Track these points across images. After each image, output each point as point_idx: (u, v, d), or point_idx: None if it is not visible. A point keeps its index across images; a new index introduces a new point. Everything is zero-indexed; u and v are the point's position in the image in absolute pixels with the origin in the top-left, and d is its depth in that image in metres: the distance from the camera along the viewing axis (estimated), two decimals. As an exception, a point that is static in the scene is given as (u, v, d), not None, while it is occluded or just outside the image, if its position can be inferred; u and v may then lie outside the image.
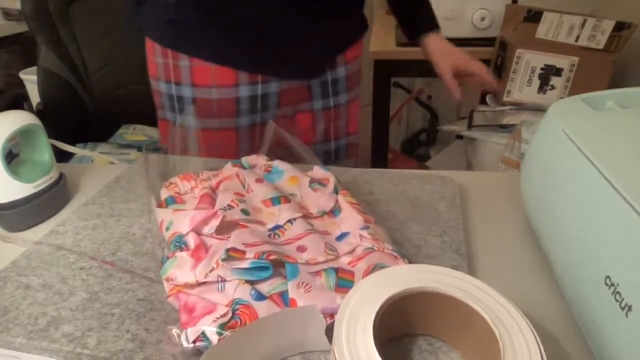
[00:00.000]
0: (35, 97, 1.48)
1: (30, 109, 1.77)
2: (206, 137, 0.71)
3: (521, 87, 1.21)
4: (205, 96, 0.69)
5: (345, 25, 0.77)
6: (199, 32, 0.67)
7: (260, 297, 0.35)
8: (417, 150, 2.34)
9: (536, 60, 1.17)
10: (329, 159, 0.83)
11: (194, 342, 0.33)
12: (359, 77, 0.83)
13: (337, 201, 0.47)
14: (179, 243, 0.40)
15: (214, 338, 0.33)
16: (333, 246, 0.41)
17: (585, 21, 1.10)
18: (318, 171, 0.53)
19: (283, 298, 0.36)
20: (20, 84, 1.87)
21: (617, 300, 0.27)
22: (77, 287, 0.41)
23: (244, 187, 0.49)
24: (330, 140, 0.82)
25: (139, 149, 1.28)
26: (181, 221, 0.42)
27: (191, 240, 0.40)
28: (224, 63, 0.67)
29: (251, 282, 0.36)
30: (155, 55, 0.71)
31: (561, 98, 0.57)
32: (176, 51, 0.68)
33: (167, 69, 0.70)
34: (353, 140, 0.85)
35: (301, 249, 0.39)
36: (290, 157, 0.54)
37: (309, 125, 0.79)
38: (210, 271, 0.37)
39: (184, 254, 0.39)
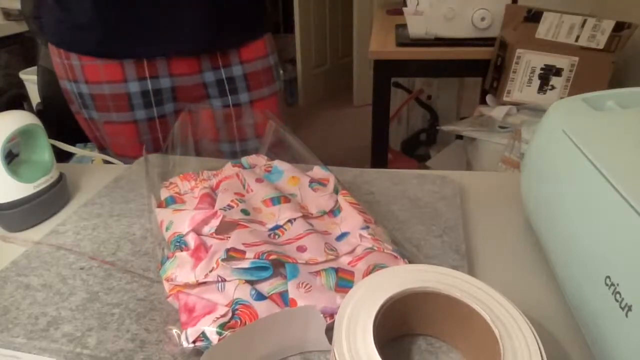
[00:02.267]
0: (35, 97, 1.48)
1: (30, 109, 1.78)
2: (110, 129, 0.77)
3: (521, 87, 1.21)
4: (99, 92, 0.74)
5: (234, 14, 0.75)
6: (80, 30, 0.71)
7: (260, 297, 0.35)
8: (417, 150, 2.34)
9: (536, 60, 1.17)
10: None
11: (194, 342, 0.33)
12: (267, 78, 0.82)
13: (337, 201, 0.47)
14: (179, 243, 0.40)
15: (214, 338, 0.33)
16: (333, 246, 0.41)
17: (585, 21, 1.10)
18: (318, 171, 0.53)
19: (283, 298, 0.36)
20: (20, 84, 1.87)
21: (617, 300, 0.27)
22: (77, 287, 0.41)
23: (244, 187, 0.49)
24: (234, 140, 0.83)
25: (139, 149, 1.28)
26: (181, 221, 0.42)
27: (191, 240, 0.40)
28: (105, 56, 0.71)
29: (251, 282, 0.36)
30: (55, 55, 0.76)
31: (561, 98, 0.57)
32: (66, 51, 0.73)
33: (65, 68, 0.75)
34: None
35: (301, 249, 0.39)
36: (290, 157, 0.54)
37: (210, 122, 0.81)
38: (210, 271, 0.37)
39: (184, 254, 0.39)
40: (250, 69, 0.79)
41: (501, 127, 1.19)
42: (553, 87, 1.19)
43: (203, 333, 0.33)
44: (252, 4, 0.78)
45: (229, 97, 0.80)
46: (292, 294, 0.35)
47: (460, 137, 1.69)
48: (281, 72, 0.87)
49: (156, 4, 0.69)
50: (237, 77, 0.79)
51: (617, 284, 0.27)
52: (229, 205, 0.44)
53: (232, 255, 0.37)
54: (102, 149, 0.84)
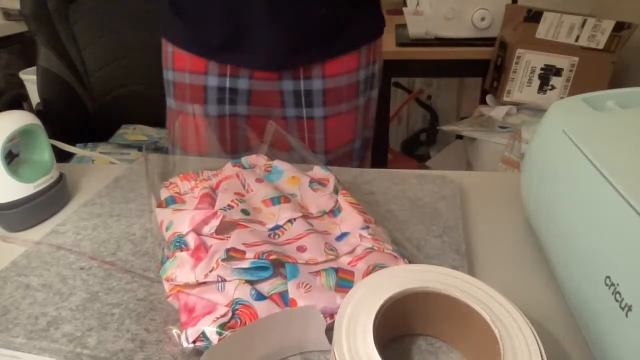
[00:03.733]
0: (35, 97, 1.49)
1: (30, 109, 1.78)
2: (182, 120, 0.77)
3: (521, 87, 1.21)
4: (180, 80, 0.75)
5: (320, 31, 0.73)
6: (177, 22, 0.74)
7: (260, 297, 0.35)
8: (417, 150, 2.34)
9: (536, 60, 1.17)
10: None
11: (194, 342, 0.33)
12: (349, 94, 0.78)
13: (337, 201, 0.47)
14: (179, 243, 0.40)
15: (214, 338, 0.33)
16: (333, 246, 0.41)
17: (585, 21, 1.10)
18: (318, 171, 0.53)
19: (283, 298, 0.36)
20: (20, 84, 1.87)
21: (617, 300, 0.27)
22: (77, 287, 0.41)
23: (244, 187, 0.49)
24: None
25: (139, 149, 1.28)
26: (181, 221, 0.42)
27: (191, 240, 0.40)
28: (192, 51, 0.74)
29: (251, 282, 0.36)
30: (163, 44, 0.79)
31: (561, 98, 0.57)
32: (165, 40, 0.77)
33: (163, 56, 0.79)
34: (331, 158, 0.82)
35: (301, 249, 0.39)
36: (290, 157, 0.54)
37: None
38: (210, 271, 0.37)
39: (184, 254, 0.39)
40: (331, 84, 0.76)
41: (501, 127, 1.19)
42: (553, 87, 1.19)
43: (203, 333, 0.33)
44: (343, 21, 0.74)
45: (304, 109, 0.77)
46: (292, 294, 0.35)
47: (460, 137, 1.69)
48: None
49: (242, 19, 0.69)
50: (315, 91, 0.76)
51: (617, 284, 0.27)
52: (229, 205, 0.44)
53: (232, 255, 0.37)
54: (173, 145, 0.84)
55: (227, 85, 0.74)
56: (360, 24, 0.76)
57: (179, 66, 0.75)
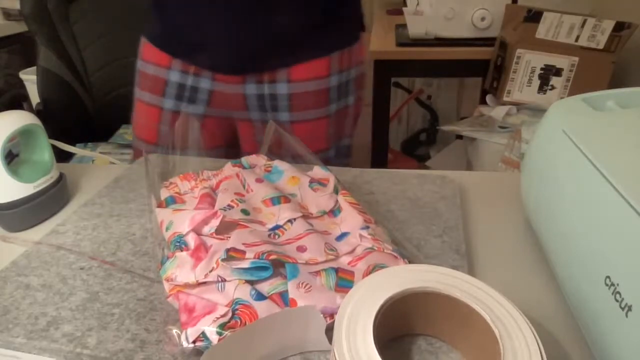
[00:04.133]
0: (35, 97, 1.49)
1: (30, 109, 1.78)
2: (138, 107, 0.79)
3: (521, 87, 1.21)
4: (144, 70, 0.77)
5: (286, 37, 0.71)
6: (150, 16, 0.76)
7: (260, 297, 0.35)
8: (417, 150, 2.34)
9: (536, 60, 1.17)
10: None
11: (194, 342, 0.33)
12: (317, 100, 0.75)
13: (337, 201, 0.47)
14: (179, 243, 0.40)
15: (214, 338, 0.33)
16: (333, 246, 0.41)
17: (585, 21, 1.10)
18: (318, 171, 0.53)
19: (283, 298, 0.36)
20: (20, 84, 1.87)
21: (617, 300, 0.27)
22: (77, 287, 0.41)
23: (244, 187, 0.49)
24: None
25: (139, 149, 1.27)
26: (181, 221, 0.42)
27: (191, 240, 0.40)
28: (157, 45, 0.75)
29: (251, 282, 0.36)
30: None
31: (561, 98, 0.57)
32: (141, 34, 0.79)
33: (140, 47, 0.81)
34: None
35: (301, 249, 0.39)
36: (290, 157, 0.54)
37: (249, 134, 0.79)
38: (210, 271, 0.37)
39: (184, 254, 0.39)
40: (297, 89, 0.73)
41: (501, 127, 1.19)
42: (553, 87, 1.19)
43: (203, 333, 0.33)
44: (311, 27, 0.72)
45: (268, 113, 0.75)
46: (292, 294, 0.35)
47: (460, 137, 1.69)
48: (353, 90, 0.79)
49: (206, 22, 0.69)
50: (279, 95, 0.74)
51: (617, 284, 0.27)
52: (229, 205, 0.44)
53: (232, 255, 0.37)
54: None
55: (189, 83, 0.75)
56: (331, 30, 0.73)
57: (146, 57, 0.77)
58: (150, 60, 0.76)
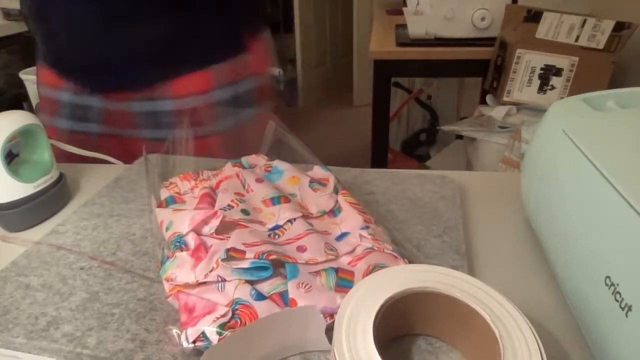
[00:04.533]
0: (35, 97, 1.48)
1: (30, 109, 1.78)
2: (48, 132, 0.77)
3: (521, 87, 1.21)
4: (42, 93, 0.77)
5: (157, 51, 0.69)
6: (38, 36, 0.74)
7: (260, 297, 0.35)
8: (417, 150, 2.35)
9: (536, 60, 1.17)
10: None
11: (194, 342, 0.33)
12: (207, 116, 0.72)
13: (337, 201, 0.47)
14: (179, 243, 0.40)
15: (214, 338, 0.33)
16: (333, 246, 0.41)
17: (585, 21, 1.10)
18: (318, 171, 0.53)
19: (283, 298, 0.36)
20: (20, 84, 1.87)
21: (617, 300, 0.27)
22: (77, 287, 0.41)
23: (244, 187, 0.49)
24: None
25: (139, 149, 1.27)
26: (181, 221, 0.42)
27: (191, 240, 0.40)
28: (49, 66, 0.75)
29: (251, 282, 0.36)
30: None
31: (561, 98, 0.57)
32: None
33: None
34: None
35: (301, 249, 0.39)
36: (290, 157, 0.54)
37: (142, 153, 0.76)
38: (210, 271, 0.37)
39: (184, 254, 0.39)
40: (183, 105, 0.71)
41: (501, 127, 1.19)
42: (553, 87, 1.19)
43: (203, 333, 0.33)
44: (184, 40, 0.69)
45: (156, 130, 0.73)
46: (292, 294, 0.35)
47: (460, 137, 1.69)
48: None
49: (80, 41, 0.68)
50: (164, 112, 0.72)
51: (617, 284, 0.27)
52: (229, 205, 0.44)
53: (232, 255, 0.37)
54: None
55: (80, 102, 0.74)
56: (209, 42, 0.71)
57: (41, 79, 0.76)
58: (43, 82, 0.76)
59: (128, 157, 0.74)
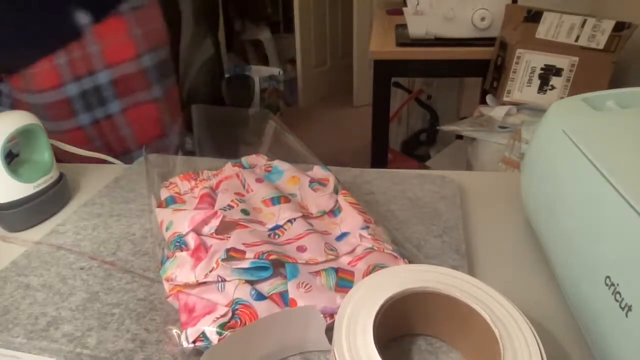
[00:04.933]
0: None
1: (30, 109, 1.76)
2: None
3: (521, 87, 1.21)
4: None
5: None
6: None
7: (260, 297, 0.35)
8: (417, 150, 2.34)
9: (536, 60, 1.17)
10: None
11: (194, 342, 0.33)
12: (140, 82, 0.72)
13: (337, 201, 0.47)
14: (179, 243, 0.40)
15: (214, 338, 0.33)
16: (333, 246, 0.41)
17: (585, 21, 1.10)
18: (318, 171, 0.53)
19: (283, 298, 0.36)
20: (20, 84, 1.86)
21: (617, 300, 0.27)
22: (77, 287, 0.41)
23: (244, 187, 0.49)
24: (117, 154, 0.73)
25: (139, 149, 1.27)
26: (181, 221, 0.42)
27: (191, 240, 0.40)
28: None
29: (251, 282, 0.36)
30: None
31: (561, 98, 0.57)
32: None
33: None
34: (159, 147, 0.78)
35: (301, 249, 0.39)
36: (290, 157, 0.54)
37: (81, 142, 0.72)
38: (210, 271, 0.37)
39: (184, 254, 0.39)
40: (118, 72, 0.70)
41: (501, 127, 1.19)
42: (553, 87, 1.19)
43: (203, 333, 0.33)
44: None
45: (97, 109, 0.71)
46: (292, 294, 0.35)
47: (460, 137, 1.69)
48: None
49: None
50: (104, 85, 0.70)
51: (617, 284, 0.27)
52: (229, 205, 0.44)
53: (232, 255, 0.37)
54: None
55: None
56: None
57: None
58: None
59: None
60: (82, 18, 0.68)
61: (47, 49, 0.68)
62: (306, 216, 0.45)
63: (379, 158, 1.59)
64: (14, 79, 0.70)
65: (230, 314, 0.34)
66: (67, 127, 0.73)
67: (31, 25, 0.66)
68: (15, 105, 0.73)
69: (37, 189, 0.51)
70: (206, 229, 0.41)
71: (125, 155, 0.78)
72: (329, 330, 0.32)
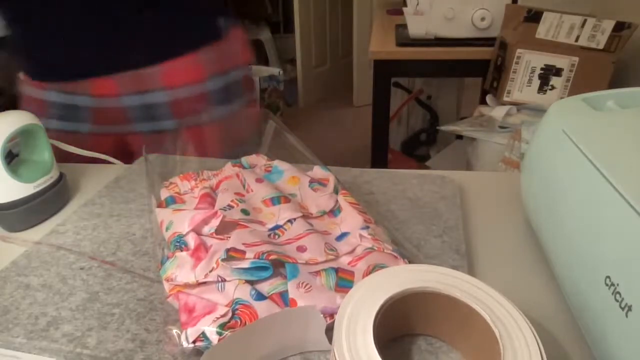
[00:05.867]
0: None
1: (30, 109, 1.76)
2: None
3: (521, 87, 1.21)
4: (24, 92, 0.78)
5: (140, 36, 0.69)
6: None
7: (260, 297, 0.35)
8: (417, 150, 2.34)
9: (536, 60, 1.17)
10: None
11: (194, 342, 0.33)
12: (200, 107, 0.74)
13: (337, 201, 0.47)
14: (179, 243, 0.40)
15: (214, 338, 0.33)
16: (333, 246, 0.41)
17: (585, 21, 1.10)
18: (318, 171, 0.53)
19: (283, 298, 0.36)
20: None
21: (617, 300, 0.27)
22: (77, 287, 0.41)
23: (244, 187, 0.49)
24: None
25: (139, 149, 1.27)
26: (181, 221, 0.42)
27: (191, 240, 0.40)
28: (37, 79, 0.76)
29: (251, 282, 0.36)
30: None
31: (561, 98, 0.57)
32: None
33: None
34: None
35: (301, 249, 0.39)
36: (290, 157, 0.54)
37: (141, 148, 0.75)
38: (210, 271, 0.37)
39: (184, 254, 0.39)
40: (177, 95, 0.72)
41: (501, 127, 1.19)
42: (553, 87, 1.19)
43: (203, 333, 0.33)
44: (167, 26, 0.70)
45: (152, 123, 0.74)
46: (292, 294, 0.35)
47: (460, 137, 1.69)
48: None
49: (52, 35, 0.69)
50: (159, 105, 0.73)
51: (617, 284, 0.27)
52: (229, 205, 0.44)
53: (232, 255, 0.37)
54: None
55: (68, 102, 0.74)
56: (191, 28, 0.72)
57: (25, 79, 0.77)
58: (29, 83, 0.76)
59: (124, 154, 0.75)
60: (163, 54, 0.72)
61: (120, 68, 0.71)
62: (306, 216, 0.45)
63: (379, 158, 1.60)
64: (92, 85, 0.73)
65: (230, 314, 0.34)
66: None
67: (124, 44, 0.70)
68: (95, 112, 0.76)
69: (37, 189, 0.51)
70: (206, 229, 0.41)
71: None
72: (329, 330, 0.32)
